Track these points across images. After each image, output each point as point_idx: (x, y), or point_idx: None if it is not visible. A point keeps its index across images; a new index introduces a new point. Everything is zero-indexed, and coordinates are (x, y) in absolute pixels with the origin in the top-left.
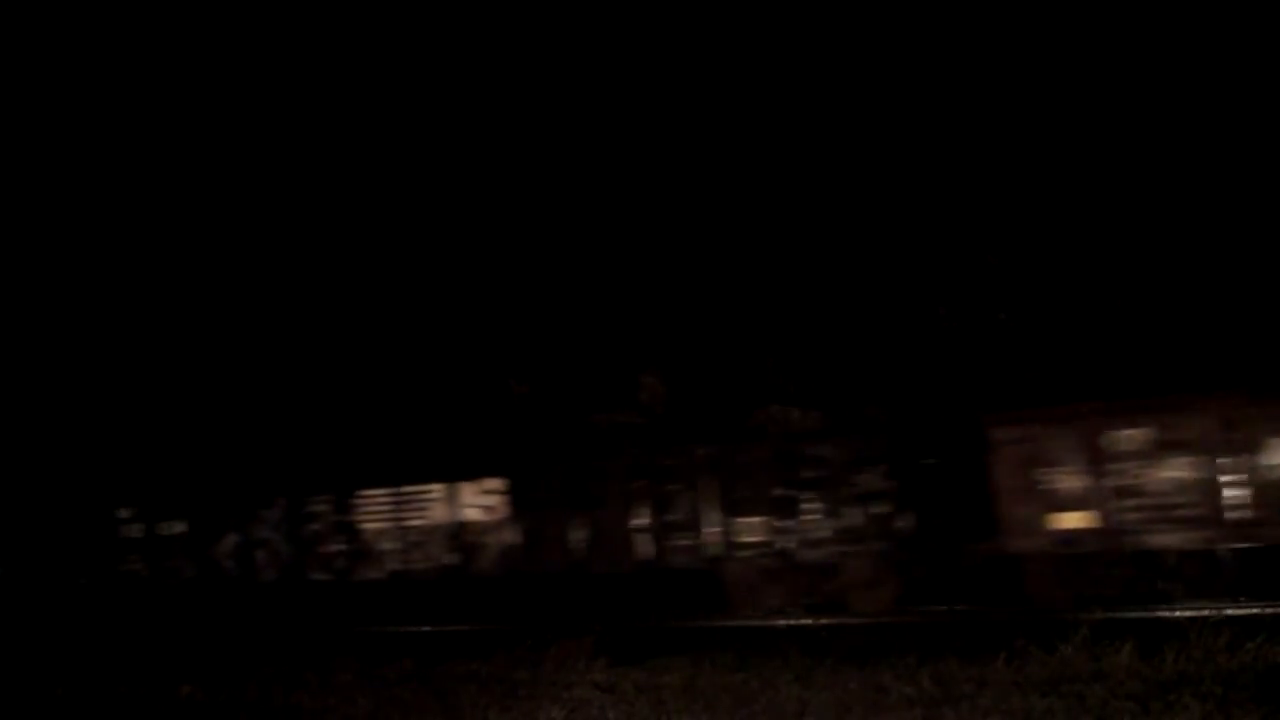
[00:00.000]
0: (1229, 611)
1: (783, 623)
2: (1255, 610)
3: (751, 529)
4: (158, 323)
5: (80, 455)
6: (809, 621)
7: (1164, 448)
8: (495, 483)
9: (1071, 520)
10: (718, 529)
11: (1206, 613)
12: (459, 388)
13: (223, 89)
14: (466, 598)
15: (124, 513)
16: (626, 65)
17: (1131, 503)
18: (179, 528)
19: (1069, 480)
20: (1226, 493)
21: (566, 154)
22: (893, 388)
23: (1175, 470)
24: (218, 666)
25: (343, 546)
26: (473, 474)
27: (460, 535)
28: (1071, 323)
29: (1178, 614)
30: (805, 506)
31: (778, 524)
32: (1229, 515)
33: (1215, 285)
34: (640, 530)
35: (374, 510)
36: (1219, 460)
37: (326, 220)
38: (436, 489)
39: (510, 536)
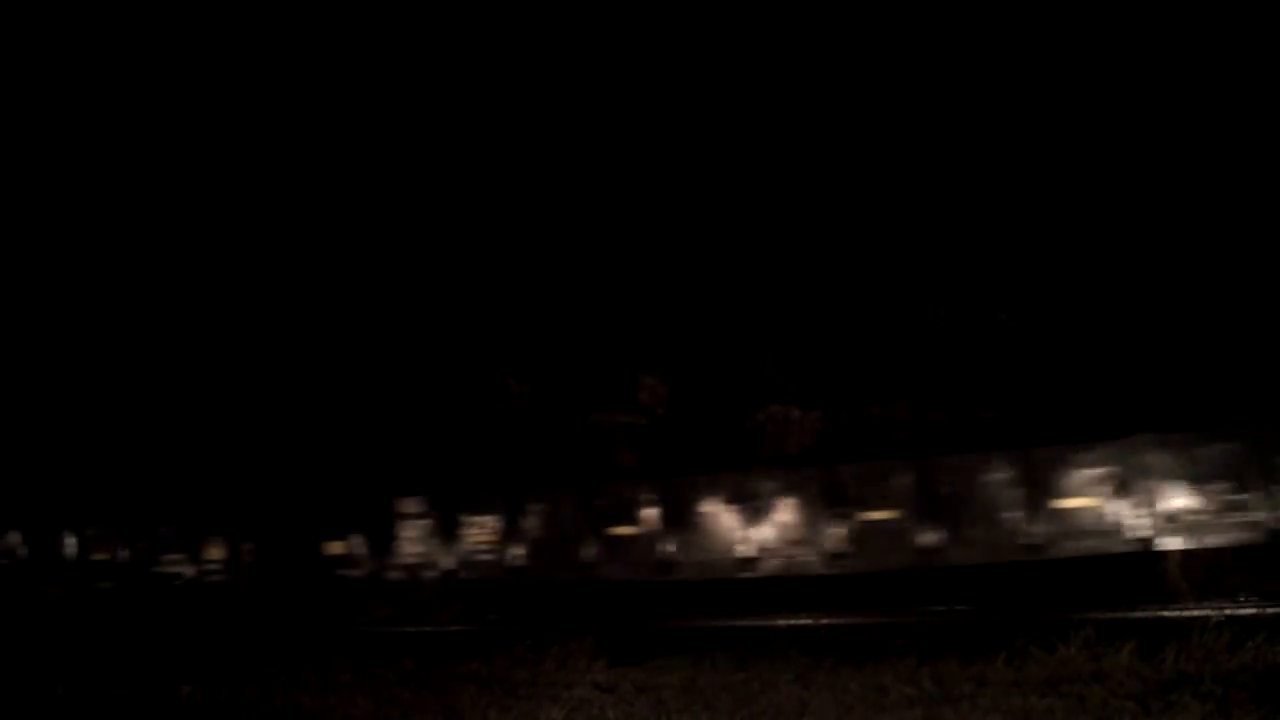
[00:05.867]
0: (1229, 611)
1: (783, 623)
2: (1255, 610)
3: None
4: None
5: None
6: (809, 621)
7: None
8: None
9: None
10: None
11: (1207, 613)
12: (458, 388)
13: (223, 89)
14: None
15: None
16: (626, 65)
17: None
18: None
19: None
20: None
21: (566, 154)
22: (893, 388)
23: None
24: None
25: None
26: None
27: None
28: (1072, 324)
29: (1178, 614)
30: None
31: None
32: None
33: (1216, 285)
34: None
35: None
36: None
37: (325, 220)
38: None
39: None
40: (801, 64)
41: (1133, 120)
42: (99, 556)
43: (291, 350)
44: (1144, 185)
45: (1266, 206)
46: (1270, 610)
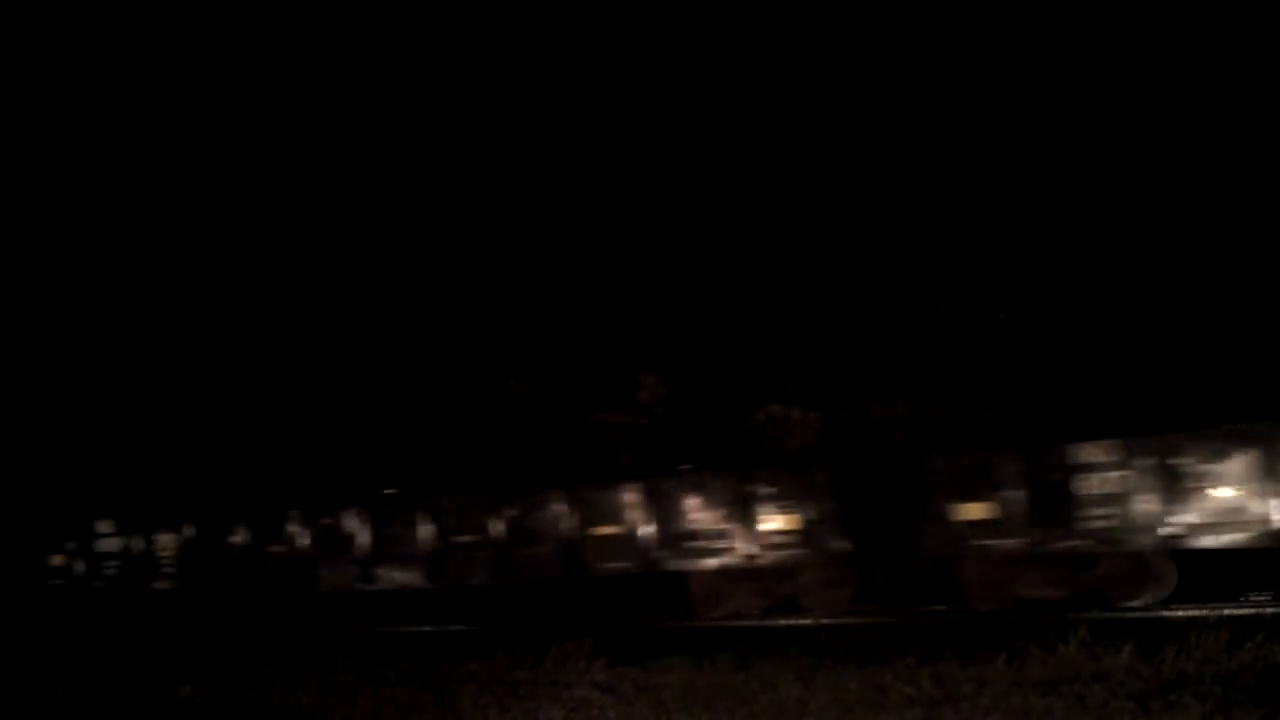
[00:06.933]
0: (1229, 611)
1: (783, 623)
2: (1255, 610)
3: None
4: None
5: None
6: (809, 621)
7: None
8: None
9: None
10: None
11: (1206, 613)
12: (458, 388)
13: (223, 89)
14: None
15: None
16: (626, 65)
17: None
18: None
19: None
20: None
21: (565, 154)
22: (893, 387)
23: None
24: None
25: None
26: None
27: None
28: (1073, 323)
29: (1178, 614)
30: None
31: None
32: None
33: (1218, 284)
34: None
35: None
36: None
37: (326, 220)
38: None
39: None
40: (801, 64)
41: (1133, 120)
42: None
43: (293, 345)
44: (1144, 184)
45: (1266, 206)
46: (1270, 610)
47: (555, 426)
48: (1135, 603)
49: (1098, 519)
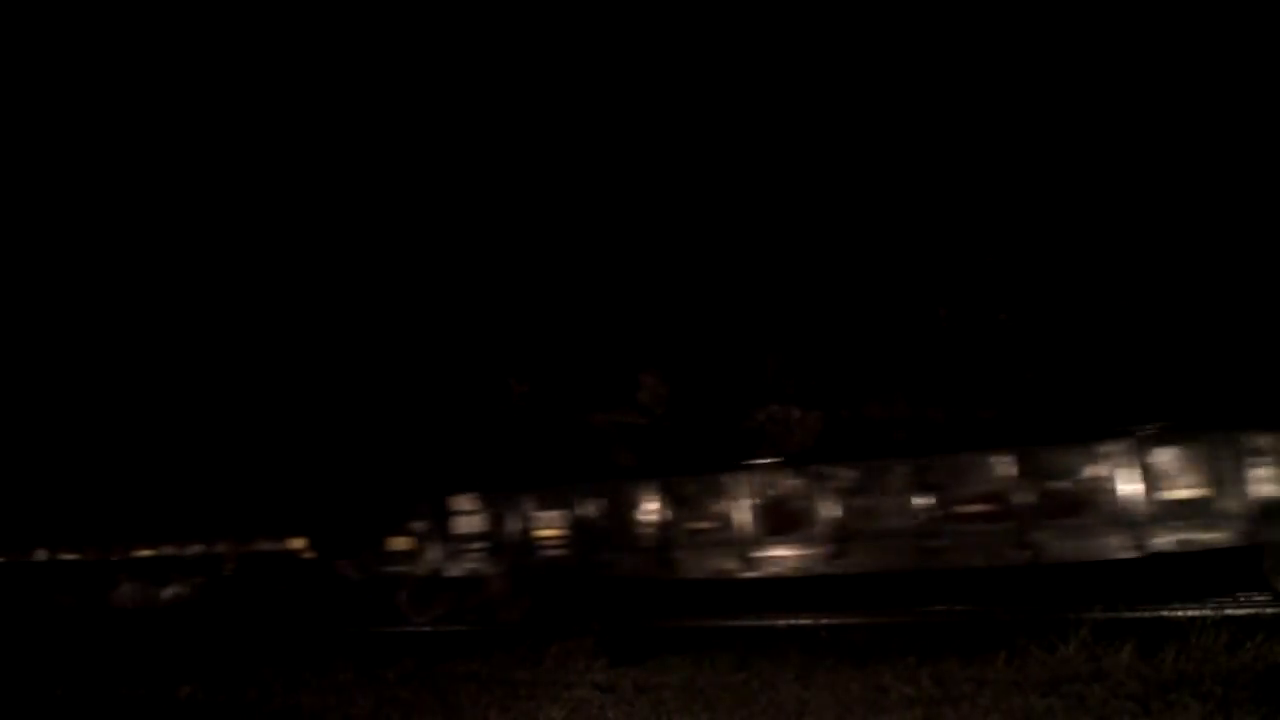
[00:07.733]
0: (1229, 611)
1: (783, 623)
2: (1255, 610)
3: None
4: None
5: None
6: (809, 621)
7: None
8: None
9: None
10: None
11: (1207, 613)
12: (458, 388)
13: (223, 89)
14: None
15: None
16: (626, 65)
17: None
18: None
19: None
20: None
21: (565, 154)
22: (893, 387)
23: None
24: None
25: None
26: None
27: None
28: (1073, 323)
29: (1178, 614)
30: None
31: None
32: None
33: (1217, 283)
34: None
35: None
36: None
37: (326, 220)
38: None
39: None
40: (801, 63)
41: (1132, 120)
42: None
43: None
44: (1144, 184)
45: (1267, 206)
46: (1270, 610)
47: (555, 426)
48: None
49: None
